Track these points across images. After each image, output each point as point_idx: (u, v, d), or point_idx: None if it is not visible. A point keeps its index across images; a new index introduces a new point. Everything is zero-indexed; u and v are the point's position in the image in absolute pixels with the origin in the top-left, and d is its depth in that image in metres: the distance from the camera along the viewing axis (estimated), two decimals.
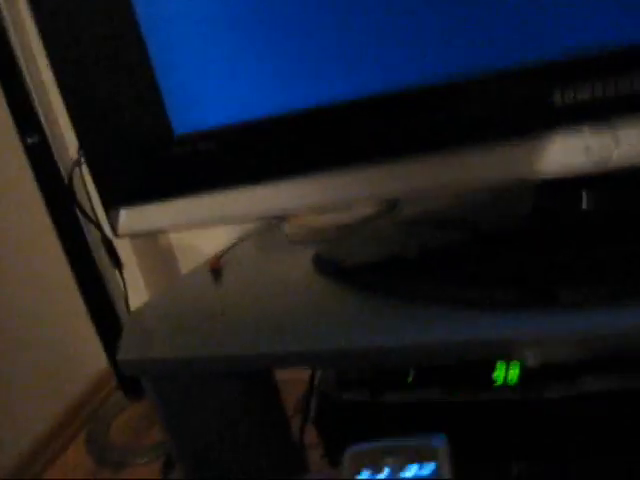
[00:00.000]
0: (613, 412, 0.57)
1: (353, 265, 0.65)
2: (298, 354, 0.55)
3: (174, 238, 1.18)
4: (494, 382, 0.60)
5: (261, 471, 0.71)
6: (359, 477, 0.47)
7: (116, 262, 0.97)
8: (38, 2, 0.55)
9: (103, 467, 1.02)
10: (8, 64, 0.92)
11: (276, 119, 0.54)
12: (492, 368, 0.60)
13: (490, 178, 0.51)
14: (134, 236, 0.65)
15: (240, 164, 0.56)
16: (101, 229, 0.89)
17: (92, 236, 1.00)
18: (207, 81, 0.54)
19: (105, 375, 1.17)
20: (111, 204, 0.60)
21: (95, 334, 1.07)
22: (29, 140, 0.95)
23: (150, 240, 1.17)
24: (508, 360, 0.60)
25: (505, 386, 0.59)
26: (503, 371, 0.59)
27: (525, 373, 0.59)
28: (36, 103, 0.95)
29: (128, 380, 1.06)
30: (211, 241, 0.83)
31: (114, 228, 0.61)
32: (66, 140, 0.99)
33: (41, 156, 0.96)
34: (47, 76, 0.93)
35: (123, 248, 1.02)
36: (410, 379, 0.62)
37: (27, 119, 0.95)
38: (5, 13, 0.91)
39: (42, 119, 0.95)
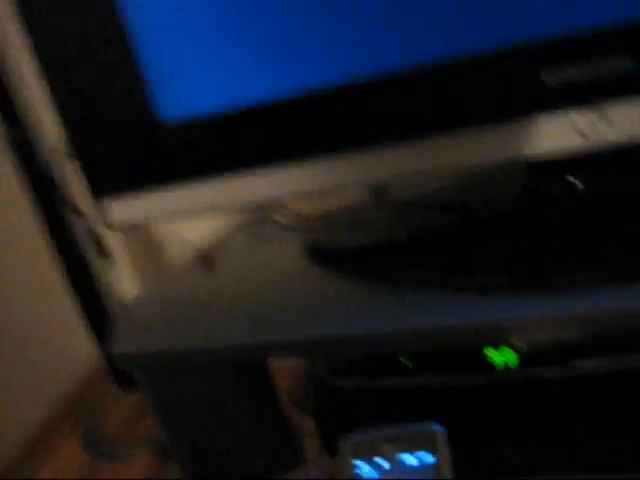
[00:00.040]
0: (610, 392, 0.58)
1: (344, 251, 0.64)
2: (291, 342, 0.55)
3: (162, 228, 1.18)
4: (494, 366, 0.59)
5: (257, 461, 0.71)
6: (356, 464, 0.47)
7: (103, 253, 0.96)
8: None
9: (98, 460, 1.02)
10: None
11: (263, 106, 0.53)
12: (491, 352, 0.60)
13: (481, 159, 0.51)
14: (123, 227, 0.64)
15: (229, 151, 0.56)
16: (87, 221, 0.89)
17: (79, 229, 0.99)
18: (193, 69, 0.53)
19: (97, 367, 1.17)
20: (100, 195, 0.60)
21: (85, 327, 1.07)
22: (13, 133, 0.94)
23: (138, 231, 1.16)
24: (502, 345, 0.60)
25: (506, 369, 0.59)
26: (501, 355, 0.59)
27: (523, 356, 0.59)
28: (19, 96, 0.94)
29: (120, 372, 1.06)
30: (200, 231, 0.83)
31: (104, 219, 0.61)
32: (49, 132, 0.98)
33: (25, 149, 0.96)
34: (30, 69, 0.92)
35: (111, 240, 1.01)
36: (409, 364, 0.62)
37: (9, 112, 0.94)
38: None
39: (25, 112, 0.94)
